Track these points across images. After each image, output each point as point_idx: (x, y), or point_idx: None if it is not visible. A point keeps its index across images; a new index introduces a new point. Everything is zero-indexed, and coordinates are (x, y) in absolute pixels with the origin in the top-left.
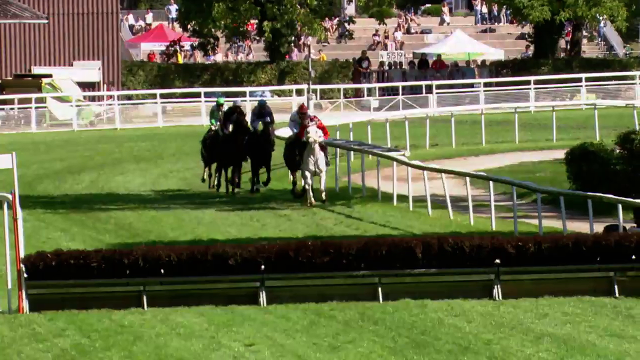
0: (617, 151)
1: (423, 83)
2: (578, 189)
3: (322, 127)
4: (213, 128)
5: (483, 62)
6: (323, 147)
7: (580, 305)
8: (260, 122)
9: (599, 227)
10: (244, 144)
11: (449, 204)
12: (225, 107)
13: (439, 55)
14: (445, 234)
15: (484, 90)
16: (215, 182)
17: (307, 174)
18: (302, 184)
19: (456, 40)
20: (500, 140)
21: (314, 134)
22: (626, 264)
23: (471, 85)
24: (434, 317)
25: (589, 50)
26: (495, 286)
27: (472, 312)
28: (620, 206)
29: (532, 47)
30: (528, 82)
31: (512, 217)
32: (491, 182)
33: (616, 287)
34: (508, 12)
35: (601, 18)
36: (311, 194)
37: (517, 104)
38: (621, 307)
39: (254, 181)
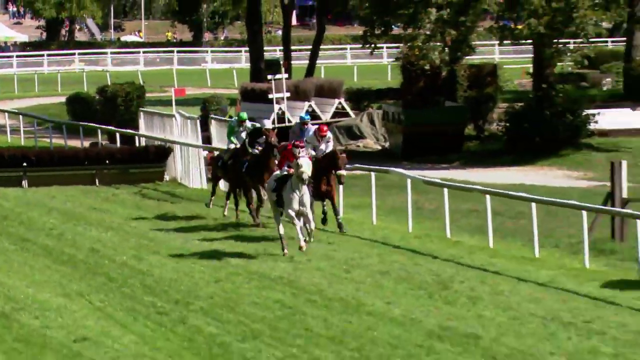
0: None
1: None
2: None
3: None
4: (232, 147)
5: None
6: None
7: (73, 192)
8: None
9: None
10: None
11: None
12: (248, 124)
13: None
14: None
15: None
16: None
17: (292, 212)
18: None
19: None
20: None
21: (307, 168)
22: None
23: None
24: None
25: None
26: (24, 180)
27: (9, 195)
28: None
29: None
30: None
31: None
32: None
33: (97, 180)
34: None
35: None
36: (300, 236)
37: None
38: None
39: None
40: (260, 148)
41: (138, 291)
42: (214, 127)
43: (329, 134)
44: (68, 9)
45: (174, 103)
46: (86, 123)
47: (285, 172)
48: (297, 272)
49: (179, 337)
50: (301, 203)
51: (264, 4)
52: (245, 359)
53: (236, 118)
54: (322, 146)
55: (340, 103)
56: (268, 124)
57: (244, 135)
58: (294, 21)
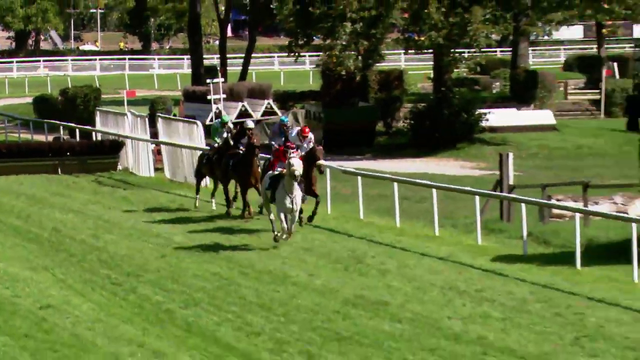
0: None
1: None
2: None
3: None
4: (215, 145)
5: None
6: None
7: (38, 179)
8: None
9: None
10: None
11: None
12: (230, 125)
13: None
14: None
15: None
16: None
17: (282, 214)
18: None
19: None
20: None
21: (299, 167)
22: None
23: None
24: None
25: None
26: None
27: None
28: None
29: None
30: None
31: None
32: None
33: (60, 170)
34: None
35: None
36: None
37: None
38: (69, 181)
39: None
40: (243, 149)
41: (95, 265)
42: (160, 124)
43: (311, 135)
44: (34, 22)
45: (125, 103)
46: (50, 120)
47: (278, 172)
48: (233, 248)
49: (130, 304)
50: (292, 203)
51: (203, 18)
52: (187, 323)
53: (219, 120)
54: (305, 145)
55: (269, 103)
56: (251, 124)
57: (225, 134)
58: (229, 33)
